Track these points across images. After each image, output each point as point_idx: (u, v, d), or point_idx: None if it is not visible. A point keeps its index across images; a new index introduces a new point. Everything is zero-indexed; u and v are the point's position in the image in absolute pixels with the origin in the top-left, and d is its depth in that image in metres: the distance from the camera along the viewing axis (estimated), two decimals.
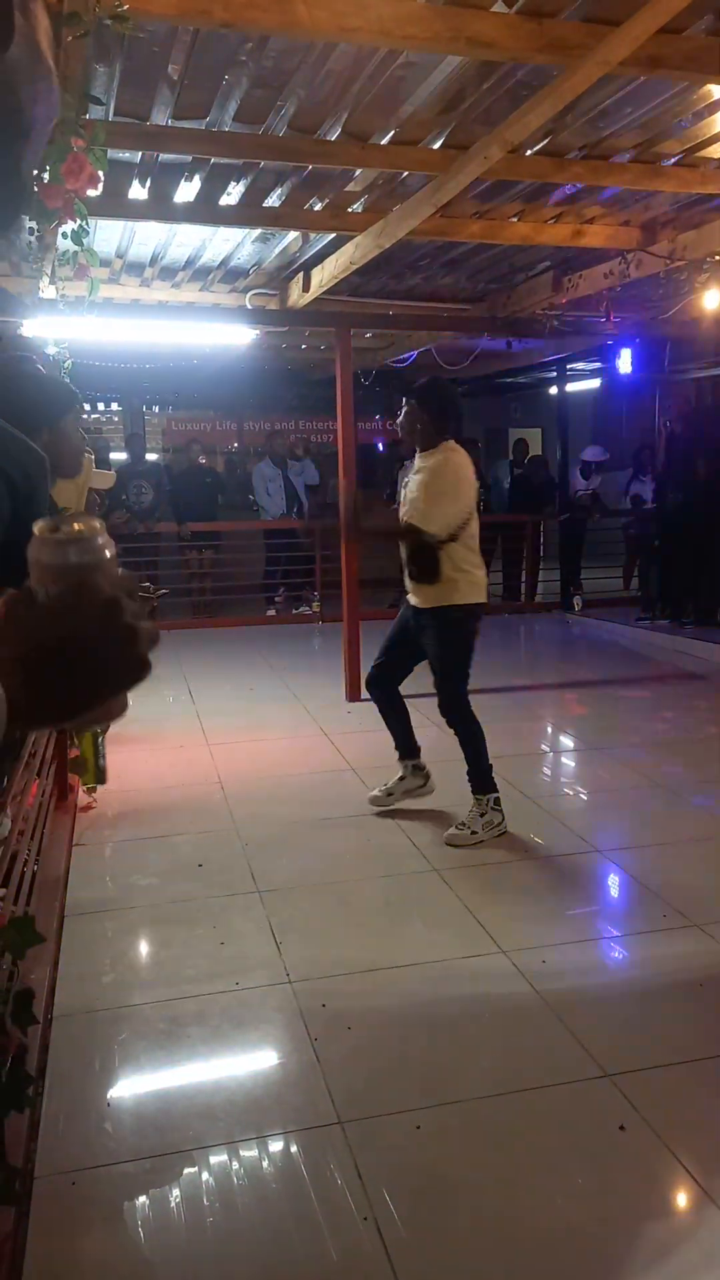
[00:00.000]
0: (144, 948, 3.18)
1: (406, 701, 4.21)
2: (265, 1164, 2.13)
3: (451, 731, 3.97)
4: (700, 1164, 2.07)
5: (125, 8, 2.50)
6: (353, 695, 6.33)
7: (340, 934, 3.18)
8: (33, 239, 3.81)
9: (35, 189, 2.73)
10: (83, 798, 4.33)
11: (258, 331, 7.36)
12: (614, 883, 3.63)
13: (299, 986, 2.82)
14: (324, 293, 6.35)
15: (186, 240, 5.74)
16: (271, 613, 9.83)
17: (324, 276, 6.12)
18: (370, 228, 5.06)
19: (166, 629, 8.66)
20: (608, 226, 5.50)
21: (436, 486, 3.83)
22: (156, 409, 13.75)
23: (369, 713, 4.45)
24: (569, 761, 5.43)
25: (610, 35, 2.84)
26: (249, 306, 6.95)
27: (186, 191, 4.69)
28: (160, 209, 4.89)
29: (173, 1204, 2.01)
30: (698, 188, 4.65)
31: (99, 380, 11.06)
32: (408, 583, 3.96)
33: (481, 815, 3.86)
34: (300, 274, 6.48)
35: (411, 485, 3.95)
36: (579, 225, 5.43)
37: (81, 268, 3.27)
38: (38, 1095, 2.29)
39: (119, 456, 11.02)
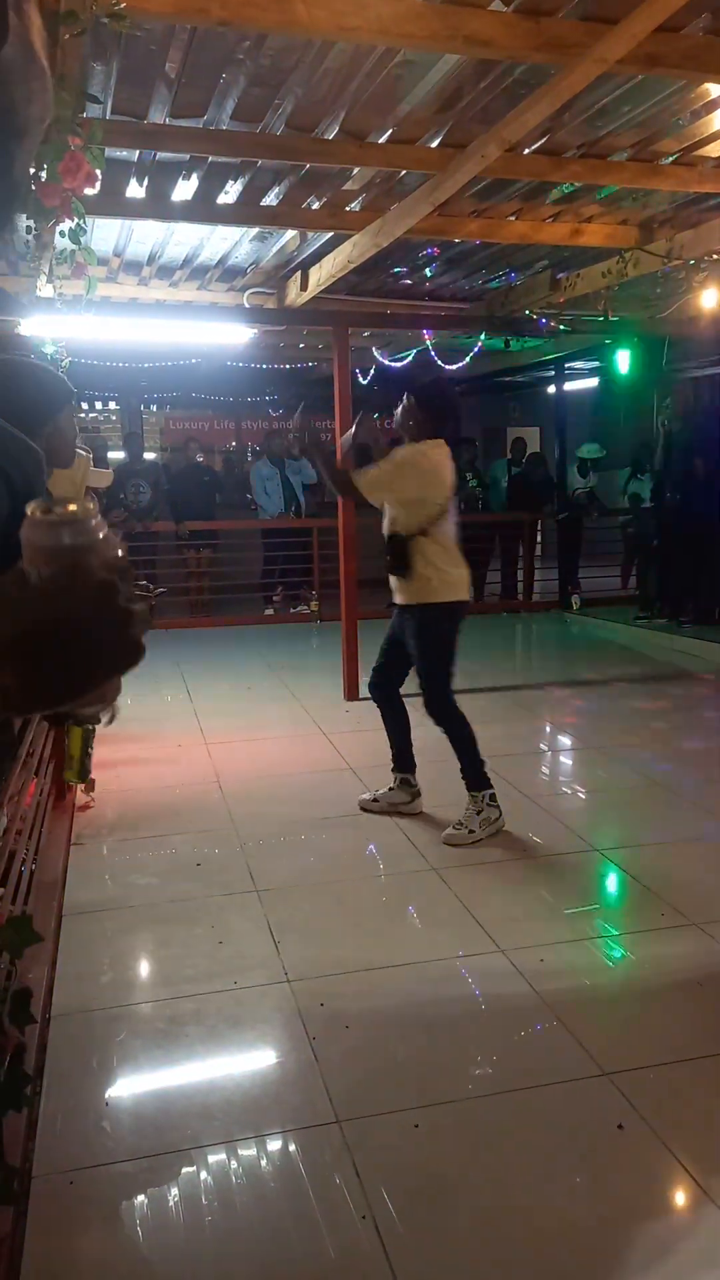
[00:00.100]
0: (142, 947, 3.17)
1: (406, 702, 4.20)
2: (263, 1163, 2.13)
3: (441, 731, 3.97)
4: (698, 1163, 2.07)
5: (122, 6, 2.49)
6: (351, 694, 6.31)
7: (338, 933, 3.17)
8: (30, 237, 3.80)
9: (33, 187, 2.73)
10: (80, 797, 4.32)
11: (255, 330, 7.36)
12: (612, 881, 3.63)
13: (297, 986, 2.81)
14: (322, 291, 6.36)
15: (184, 239, 5.74)
16: (269, 612, 9.82)
17: (322, 275, 6.13)
18: (368, 226, 5.06)
19: (164, 628, 8.67)
20: (605, 225, 5.51)
21: (400, 457, 3.93)
22: (154, 408, 13.75)
23: (367, 712, 4.45)
24: (567, 760, 5.43)
25: (608, 34, 2.84)
26: (246, 305, 6.95)
27: (184, 190, 4.69)
28: (158, 207, 4.89)
29: (171, 1203, 2.01)
30: (695, 186, 4.66)
31: (97, 379, 11.06)
32: (391, 580, 4.00)
33: (478, 813, 3.86)
34: (298, 273, 6.48)
35: None
36: (577, 224, 5.44)
37: (79, 266, 3.27)
38: (36, 1095, 2.29)
39: (117, 455, 10.99)
